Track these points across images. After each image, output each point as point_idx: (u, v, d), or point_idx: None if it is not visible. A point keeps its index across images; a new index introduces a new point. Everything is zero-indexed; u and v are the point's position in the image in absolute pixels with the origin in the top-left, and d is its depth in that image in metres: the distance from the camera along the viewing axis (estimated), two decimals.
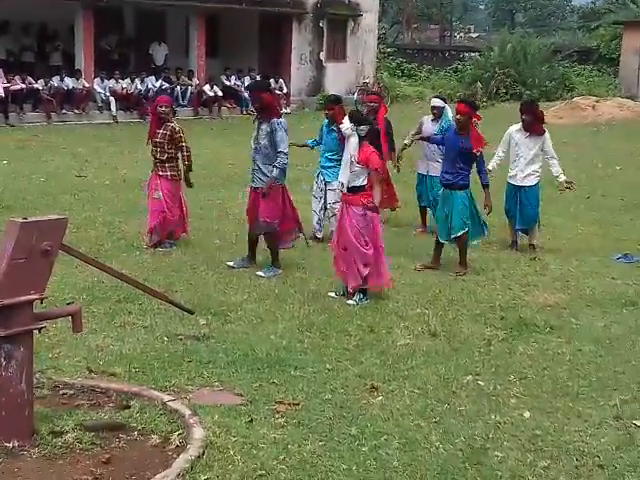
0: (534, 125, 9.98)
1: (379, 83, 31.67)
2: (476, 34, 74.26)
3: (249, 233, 9.03)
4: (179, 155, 9.67)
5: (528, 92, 32.64)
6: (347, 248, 7.93)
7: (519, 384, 6.08)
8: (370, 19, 32.02)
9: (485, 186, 9.14)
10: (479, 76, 34.23)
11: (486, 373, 6.26)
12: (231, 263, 8.98)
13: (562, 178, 10.16)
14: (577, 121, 25.70)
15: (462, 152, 8.94)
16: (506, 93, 32.85)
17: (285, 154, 8.53)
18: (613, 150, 19.79)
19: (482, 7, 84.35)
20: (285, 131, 8.57)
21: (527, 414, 5.55)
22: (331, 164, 9.89)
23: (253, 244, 9.04)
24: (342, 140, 9.43)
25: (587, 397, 5.88)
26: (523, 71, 33.66)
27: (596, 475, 4.80)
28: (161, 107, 9.61)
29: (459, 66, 38.46)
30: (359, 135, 7.88)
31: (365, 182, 7.87)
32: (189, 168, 9.72)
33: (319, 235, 10.24)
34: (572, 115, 26.48)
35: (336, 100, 10.31)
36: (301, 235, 9.19)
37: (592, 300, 8.25)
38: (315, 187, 10.32)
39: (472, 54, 40.34)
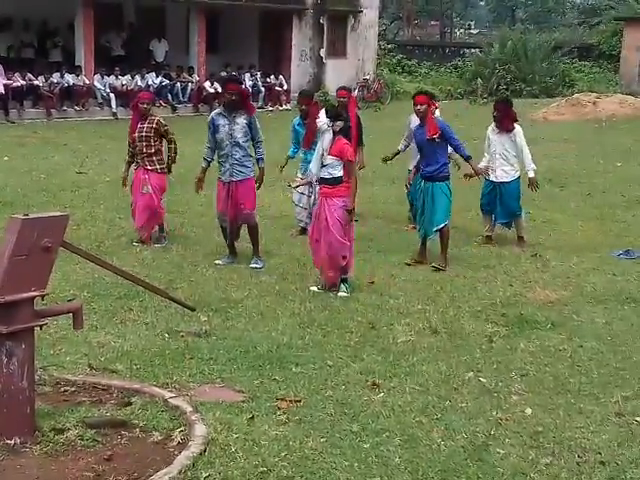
0: (503, 121, 10.06)
1: (379, 79, 31.65)
2: (476, 30, 74.16)
3: (230, 227, 9.01)
4: (164, 148, 9.72)
5: (528, 89, 32.64)
6: (324, 241, 8.00)
7: (520, 381, 6.08)
8: (370, 15, 32.00)
9: (467, 158, 9.25)
10: (479, 72, 34.18)
11: (487, 370, 6.26)
12: (219, 262, 9.00)
13: (531, 174, 10.14)
14: (578, 117, 25.67)
15: (429, 143, 9.00)
16: (507, 89, 32.76)
17: (262, 142, 8.93)
18: (614, 146, 19.77)
19: (482, 3, 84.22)
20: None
21: (529, 411, 5.55)
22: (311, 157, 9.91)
23: (233, 237, 9.09)
24: (310, 134, 9.80)
25: (589, 394, 5.88)
26: (523, 67, 33.61)
27: (598, 471, 4.80)
28: (142, 103, 9.67)
29: (459, 62, 38.42)
30: (333, 130, 8.03)
31: (342, 173, 7.97)
32: (173, 160, 9.85)
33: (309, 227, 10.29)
34: (573, 111, 26.45)
35: (311, 95, 10.46)
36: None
37: (593, 297, 8.25)
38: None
39: (472, 50, 40.32)
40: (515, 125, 10.14)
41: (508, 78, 33.29)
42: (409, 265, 9.18)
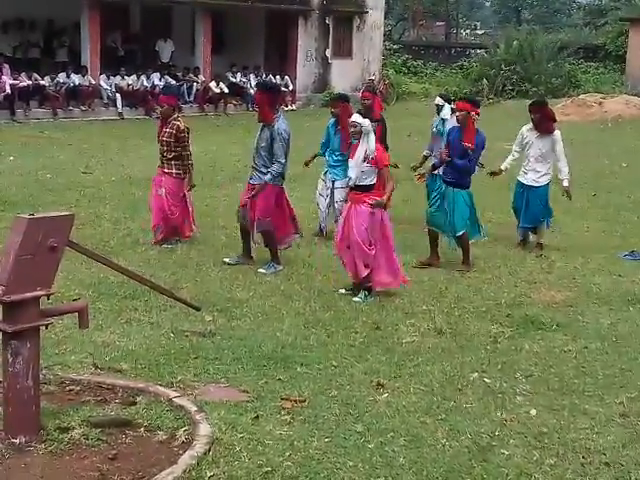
0: (543, 124, 9.92)
1: (385, 80, 31.65)
2: (482, 31, 74.08)
3: (241, 226, 8.99)
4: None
5: (534, 89, 32.57)
6: (350, 247, 7.92)
7: (525, 381, 6.08)
8: (376, 16, 32.00)
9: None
10: (485, 73, 34.15)
11: (492, 370, 6.26)
12: (227, 259, 8.99)
13: (565, 184, 10.09)
14: (583, 118, 25.65)
15: (461, 148, 8.94)
16: (512, 90, 32.79)
17: (281, 164, 8.55)
18: (619, 147, 19.76)
19: (488, 4, 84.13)
20: (284, 140, 8.50)
21: (533, 411, 5.54)
22: (339, 163, 9.88)
23: (247, 238, 9.02)
24: (346, 139, 9.48)
25: (593, 395, 5.87)
26: (529, 68, 33.58)
27: (602, 473, 4.79)
28: (162, 106, 9.69)
29: (465, 63, 38.38)
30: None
31: (374, 181, 7.85)
32: (188, 171, 9.73)
33: (325, 231, 10.26)
34: (578, 112, 26.43)
35: (344, 98, 10.33)
36: (297, 237, 9.26)
37: (598, 297, 8.24)
38: (322, 185, 10.31)
39: (478, 51, 40.27)
40: (555, 127, 10.00)
41: (514, 79, 33.27)
42: (416, 267, 9.15)
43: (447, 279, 8.71)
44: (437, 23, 67.21)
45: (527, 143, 10.03)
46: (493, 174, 10.20)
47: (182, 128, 9.52)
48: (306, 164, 10.71)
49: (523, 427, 5.31)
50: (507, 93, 32.73)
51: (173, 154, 9.55)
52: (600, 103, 27.23)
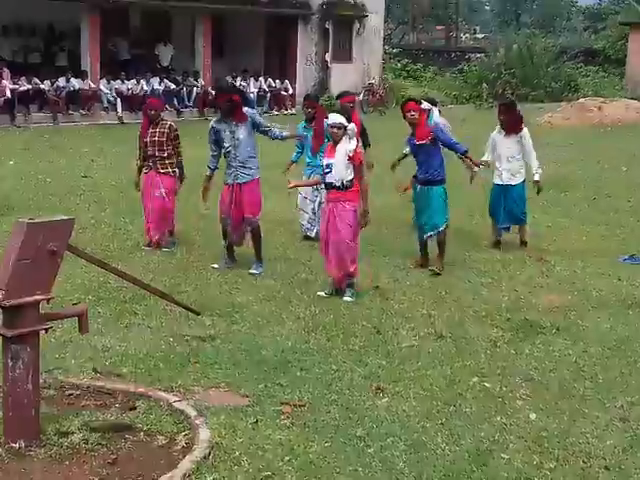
0: (510, 124, 10.07)
1: (384, 84, 31.68)
2: (482, 35, 74.21)
3: (233, 230, 8.98)
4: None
5: (534, 93, 32.63)
6: (333, 245, 8.00)
7: (525, 386, 6.07)
8: (376, 20, 32.04)
9: (464, 153, 9.23)
10: (485, 77, 34.18)
11: (492, 375, 6.25)
12: (216, 265, 9.00)
13: (536, 178, 10.15)
14: (583, 122, 25.66)
15: (422, 149, 8.99)
16: (512, 94, 32.71)
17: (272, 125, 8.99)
18: (619, 151, 19.75)
19: (488, 8, 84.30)
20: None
21: (533, 416, 5.54)
22: (320, 162, 9.85)
23: (234, 242, 9.07)
24: (318, 138, 9.74)
25: (593, 399, 5.87)
26: (529, 72, 33.61)
27: (602, 477, 4.79)
28: (150, 110, 9.73)
29: (465, 67, 38.39)
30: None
31: (352, 176, 7.94)
32: (180, 168, 9.84)
33: (311, 234, 10.27)
34: (578, 116, 26.44)
35: (316, 99, 10.50)
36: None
37: (598, 302, 8.23)
38: (306, 188, 10.29)
39: (478, 55, 40.29)
40: (523, 127, 10.15)
41: (513, 83, 33.30)
42: (414, 267, 9.19)
43: (447, 283, 8.71)
44: (437, 27, 67.35)
45: (498, 145, 10.15)
46: (471, 180, 10.25)
47: (175, 127, 9.73)
48: (285, 174, 10.62)
49: (523, 431, 5.31)
50: (507, 97, 32.71)
51: (166, 153, 9.62)
52: (600, 107, 27.24)
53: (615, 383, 6.17)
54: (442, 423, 5.38)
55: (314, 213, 10.26)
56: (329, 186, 8.09)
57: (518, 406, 5.71)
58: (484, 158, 10.16)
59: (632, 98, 29.66)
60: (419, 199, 9.25)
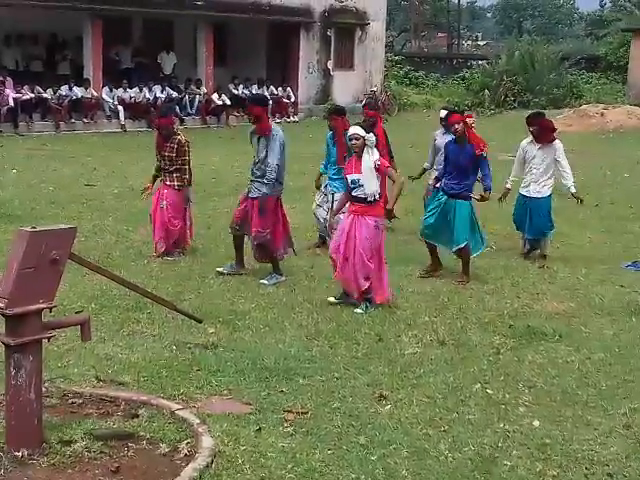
0: (543, 135, 9.94)
1: (387, 91, 31.72)
2: (484, 42, 74.35)
3: (234, 235, 9.01)
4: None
5: (536, 100, 32.63)
6: (349, 258, 7.91)
7: (528, 393, 6.06)
8: (378, 27, 32.09)
9: (488, 189, 8.99)
10: (487, 84, 34.23)
11: (495, 382, 6.25)
12: (220, 269, 9.01)
13: (572, 190, 10.08)
14: (585, 129, 25.68)
15: (469, 160, 8.92)
16: (514, 101, 32.85)
17: (274, 166, 8.54)
18: (621, 157, 19.77)
19: (489, 15, 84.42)
20: (280, 144, 8.59)
21: (536, 423, 5.53)
22: (338, 176, 9.84)
23: (239, 247, 9.06)
24: (342, 151, 9.64)
25: (596, 406, 5.86)
26: (531, 79, 33.65)
27: None
28: (162, 131, 9.73)
29: (467, 74, 38.46)
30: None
31: (379, 189, 7.89)
32: (189, 183, 9.83)
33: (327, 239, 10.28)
34: (580, 123, 26.46)
35: (340, 111, 10.38)
36: (291, 251, 9.22)
37: (601, 308, 8.23)
38: (321, 197, 10.31)
39: (480, 62, 40.34)
40: (555, 137, 10.04)
41: (515, 89, 33.34)
42: (423, 277, 9.17)
43: (449, 290, 8.71)
44: (439, 34, 67.47)
45: (529, 156, 10.03)
46: (502, 198, 10.19)
47: (183, 142, 9.69)
48: (316, 185, 10.59)
49: (526, 438, 5.30)
50: (509, 104, 32.78)
51: (175, 167, 9.68)
52: (602, 113, 27.27)
53: (618, 390, 6.16)
54: (445, 430, 5.37)
55: (325, 220, 10.25)
56: (356, 200, 7.95)
57: (521, 413, 5.70)
58: (509, 184, 10.10)
59: (634, 104, 29.66)
60: (445, 210, 9.04)
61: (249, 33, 28.56)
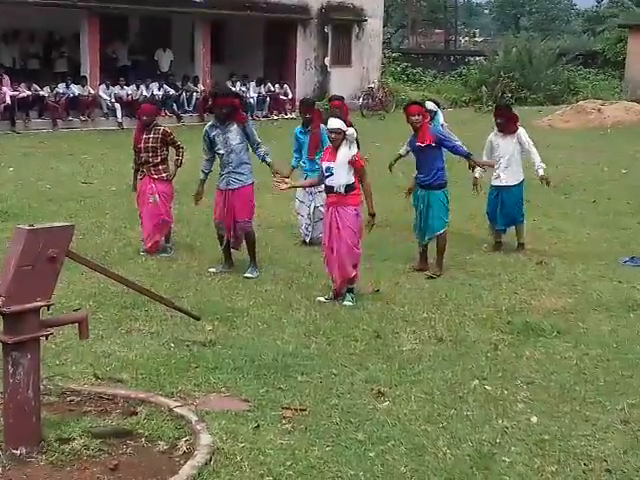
0: (507, 125, 10.14)
1: (384, 88, 31.69)
2: (481, 38, 74.30)
3: (228, 235, 8.99)
4: (168, 156, 9.78)
5: (533, 96, 32.65)
6: (336, 250, 7.97)
7: (526, 389, 6.07)
8: (375, 24, 32.07)
9: (468, 156, 9.16)
10: (484, 80, 34.21)
11: (493, 378, 6.25)
12: (213, 269, 9.01)
13: (540, 172, 10.17)
14: (583, 125, 25.67)
15: (425, 152, 8.99)
16: (511, 97, 32.79)
17: (263, 145, 8.97)
18: (619, 153, 19.76)
19: (487, 11, 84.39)
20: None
21: (534, 419, 5.54)
22: (317, 167, 9.82)
23: (231, 246, 9.08)
24: (315, 142, 9.93)
25: (594, 401, 5.86)
26: (528, 75, 33.64)
27: (604, 479, 4.79)
28: (143, 117, 9.70)
29: (464, 70, 38.43)
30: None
31: (353, 180, 7.93)
32: (180, 165, 9.88)
33: (308, 240, 10.30)
34: (578, 119, 26.45)
35: (312, 103, 10.69)
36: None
37: (599, 304, 8.23)
38: (302, 192, 10.31)
39: (477, 58, 40.30)
40: (518, 126, 10.22)
41: (513, 86, 33.32)
42: (412, 271, 9.21)
43: (447, 286, 8.71)
44: (436, 30, 67.39)
45: (495, 146, 10.20)
46: (474, 187, 10.29)
47: (169, 131, 9.77)
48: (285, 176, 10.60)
49: (524, 434, 5.31)
50: (506, 100, 32.69)
51: (160, 158, 9.66)
52: (599, 109, 27.25)
53: (616, 385, 6.17)
54: (443, 426, 5.38)
55: (309, 218, 10.28)
56: (329, 190, 8.07)
57: (519, 409, 5.71)
58: (477, 174, 10.20)
59: (631, 100, 29.65)
60: (419, 202, 9.25)
61: (246, 30, 28.53)
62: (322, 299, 8.09)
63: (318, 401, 5.71)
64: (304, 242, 10.39)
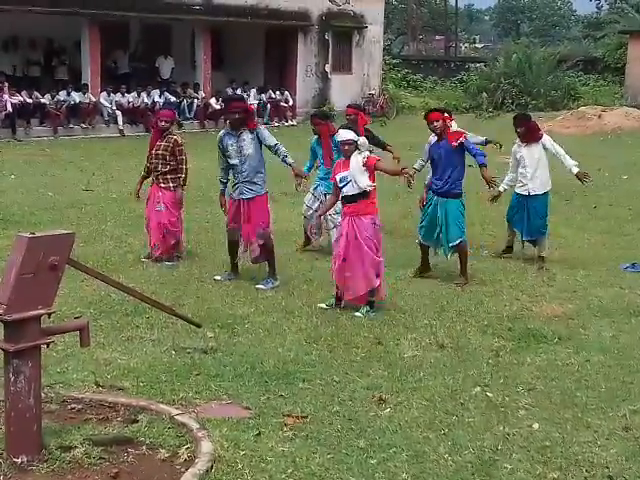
0: (528, 134, 10.03)
1: (385, 94, 31.73)
2: (481, 45, 74.42)
3: (231, 242, 9.01)
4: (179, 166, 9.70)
5: (534, 102, 32.64)
6: (356, 260, 7.91)
7: (527, 395, 6.07)
8: (375, 31, 32.12)
9: (482, 166, 8.98)
10: (485, 86, 34.23)
11: (494, 384, 6.25)
12: (218, 277, 9.00)
13: (575, 170, 10.08)
14: (583, 131, 25.70)
15: (448, 154, 8.94)
16: (512, 103, 32.83)
17: (281, 145, 8.85)
18: (619, 159, 19.77)
19: (487, 18, 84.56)
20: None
21: (536, 425, 5.53)
22: (329, 176, 9.84)
23: (235, 254, 9.05)
24: (328, 154, 9.87)
25: (596, 408, 5.86)
26: (528, 81, 33.65)
27: None
28: (161, 122, 9.66)
29: (464, 77, 38.44)
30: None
31: (370, 183, 7.86)
32: (184, 183, 9.77)
33: (315, 242, 10.31)
34: (578, 125, 26.48)
35: (325, 116, 10.57)
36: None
37: (600, 310, 8.23)
38: (311, 198, 10.32)
39: (477, 65, 40.35)
40: (542, 134, 10.12)
41: (513, 92, 33.33)
42: (412, 276, 9.20)
43: (448, 293, 8.71)
44: (436, 37, 67.48)
45: (521, 156, 10.07)
46: (493, 199, 10.22)
47: (180, 142, 9.65)
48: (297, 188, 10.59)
49: (526, 441, 5.30)
50: (507, 106, 32.76)
51: (168, 167, 9.60)
52: (599, 115, 27.28)
53: (617, 392, 6.16)
54: (444, 433, 5.37)
55: (317, 223, 10.25)
56: (347, 199, 7.98)
57: (521, 416, 5.70)
58: (502, 187, 10.12)
59: (632, 106, 29.68)
60: (433, 210, 9.10)
61: (247, 37, 28.57)
62: (323, 306, 8.08)
63: (319, 408, 5.70)
64: (305, 244, 10.32)
